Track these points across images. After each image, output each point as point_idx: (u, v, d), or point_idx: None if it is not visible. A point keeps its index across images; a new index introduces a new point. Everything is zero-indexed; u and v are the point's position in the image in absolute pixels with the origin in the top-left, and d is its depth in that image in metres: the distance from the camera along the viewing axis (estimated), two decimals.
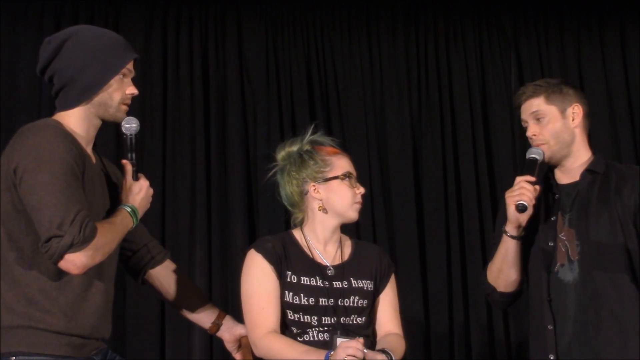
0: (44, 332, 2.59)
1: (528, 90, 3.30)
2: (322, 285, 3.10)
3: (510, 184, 5.03)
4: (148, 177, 4.88)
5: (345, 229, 3.27)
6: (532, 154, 3.20)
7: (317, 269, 3.13)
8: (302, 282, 3.10)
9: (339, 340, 2.96)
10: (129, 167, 2.84)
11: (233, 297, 4.66)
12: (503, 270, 3.25)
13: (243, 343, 3.27)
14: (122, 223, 2.74)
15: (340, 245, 3.21)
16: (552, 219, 3.21)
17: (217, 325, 3.21)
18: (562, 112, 3.24)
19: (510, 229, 3.16)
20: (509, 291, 3.30)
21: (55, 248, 2.51)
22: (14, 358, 2.56)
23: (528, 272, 3.27)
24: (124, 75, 2.81)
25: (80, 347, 2.67)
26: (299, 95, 5.12)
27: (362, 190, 3.19)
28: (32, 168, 2.56)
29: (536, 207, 3.18)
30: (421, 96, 5.25)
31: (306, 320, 3.06)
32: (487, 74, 5.31)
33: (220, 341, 4.76)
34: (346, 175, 3.16)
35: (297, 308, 3.06)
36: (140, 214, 2.82)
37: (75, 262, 2.54)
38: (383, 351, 2.97)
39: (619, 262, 3.10)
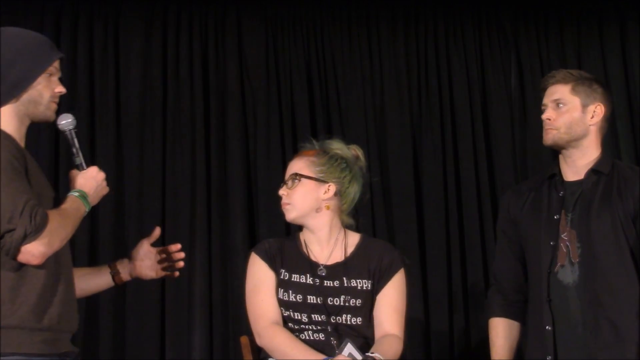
0: (15, 330, 2.56)
1: (558, 75, 3.28)
2: (311, 283, 3.19)
3: (509, 184, 5.06)
4: (148, 177, 4.93)
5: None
6: None
7: (308, 267, 3.21)
8: (293, 280, 3.19)
9: (349, 345, 3.04)
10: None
11: (233, 296, 4.75)
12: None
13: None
14: (73, 207, 2.73)
15: (344, 243, 3.25)
16: (556, 217, 3.19)
17: (116, 272, 3.15)
18: (584, 106, 3.23)
19: None
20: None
21: (10, 242, 2.51)
22: None
23: (528, 271, 3.27)
24: (51, 74, 2.80)
25: (53, 343, 2.65)
26: (299, 95, 5.14)
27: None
28: None
29: (541, 203, 3.22)
30: (421, 96, 5.27)
31: (297, 317, 3.13)
32: (487, 74, 5.33)
33: (220, 341, 4.80)
34: None
35: (287, 305, 3.15)
36: (92, 198, 2.81)
37: (32, 252, 2.54)
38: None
39: (619, 266, 3.10)
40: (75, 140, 2.88)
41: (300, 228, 3.32)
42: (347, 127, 5.06)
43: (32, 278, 2.61)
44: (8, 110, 2.74)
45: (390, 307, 3.19)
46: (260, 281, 3.19)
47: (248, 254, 3.32)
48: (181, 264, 3.22)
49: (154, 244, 3.26)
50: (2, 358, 2.53)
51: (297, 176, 3.24)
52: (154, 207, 4.91)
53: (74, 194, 2.76)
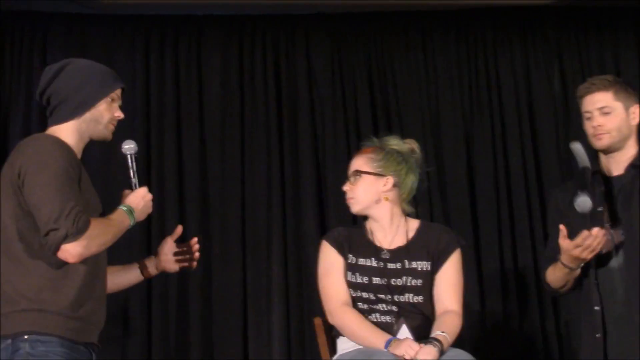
0: (53, 315, 2.66)
1: (597, 83, 3.26)
2: (376, 266, 3.22)
3: (555, 178, 5.00)
4: (229, 177, 5.00)
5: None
6: (580, 157, 3.18)
7: (373, 252, 3.25)
8: (360, 263, 3.23)
9: (404, 327, 3.10)
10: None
11: (307, 281, 4.78)
12: (567, 285, 3.28)
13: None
14: (118, 220, 2.81)
15: (406, 229, 3.29)
16: (599, 209, 3.18)
17: (143, 267, 3.17)
18: (627, 109, 3.25)
19: (575, 265, 3.15)
20: (570, 290, 3.33)
21: (52, 240, 2.59)
22: (26, 336, 2.63)
23: None
24: (113, 100, 2.91)
25: (82, 333, 2.74)
26: (361, 100, 5.18)
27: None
28: (32, 171, 2.65)
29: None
30: (472, 99, 5.24)
31: (365, 297, 3.18)
32: (532, 79, 5.26)
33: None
34: None
35: (355, 286, 3.20)
36: (138, 214, 2.88)
37: (70, 251, 2.61)
38: (435, 340, 2.99)
39: None
40: (134, 164, 2.96)
41: (366, 217, 3.36)
42: (405, 129, 5.01)
43: (74, 274, 2.71)
44: (71, 126, 2.85)
45: (448, 284, 3.21)
46: (331, 265, 3.25)
47: (319, 242, 3.37)
48: (197, 255, 3.20)
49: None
50: (39, 337, 2.63)
51: (358, 172, 3.29)
52: (234, 204, 5.01)
53: (123, 208, 2.84)
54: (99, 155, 4.71)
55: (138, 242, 4.78)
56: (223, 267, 4.92)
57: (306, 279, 4.81)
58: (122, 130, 4.99)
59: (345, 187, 3.33)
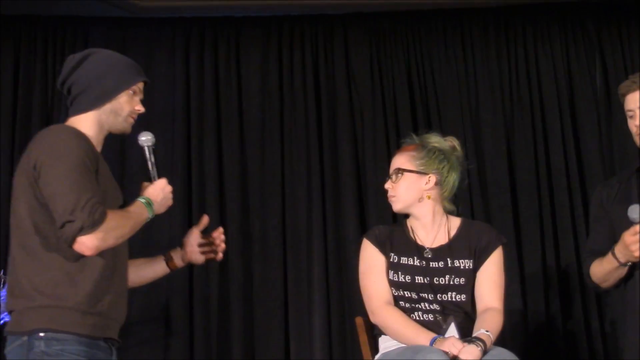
0: (69, 311, 2.61)
1: (638, 81, 3.19)
2: (419, 264, 3.20)
3: (597, 174, 4.94)
4: (269, 176, 5.03)
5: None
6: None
7: (415, 250, 3.23)
8: (402, 262, 3.21)
9: (452, 325, 3.07)
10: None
11: (348, 280, 4.81)
12: (610, 280, 3.21)
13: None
14: (136, 212, 2.76)
15: (447, 227, 3.27)
16: None
17: (169, 259, 3.09)
18: None
19: (625, 260, 3.08)
20: (611, 287, 3.27)
21: (68, 232, 2.55)
22: (42, 334, 2.58)
23: None
24: (134, 92, 2.87)
25: (102, 328, 2.69)
26: (401, 99, 5.19)
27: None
28: (48, 163, 2.61)
29: (630, 192, 3.19)
30: (513, 96, 5.22)
31: (407, 296, 3.16)
32: (573, 74, 5.24)
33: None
34: None
35: (397, 285, 3.18)
36: (157, 206, 2.83)
37: (86, 244, 2.57)
38: (478, 339, 2.95)
39: None
40: (152, 156, 2.91)
41: (407, 215, 3.34)
42: (445, 127, 4.99)
43: (91, 267, 2.65)
44: (91, 116, 2.81)
45: (490, 281, 3.18)
46: (372, 264, 3.23)
47: (360, 242, 3.34)
48: (223, 246, 3.13)
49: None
50: (55, 335, 2.58)
51: (400, 171, 3.25)
52: (274, 203, 5.05)
53: (141, 200, 2.80)
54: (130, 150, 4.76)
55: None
56: (264, 267, 4.94)
57: (347, 278, 4.83)
58: (162, 132, 5.09)
59: (387, 186, 3.29)
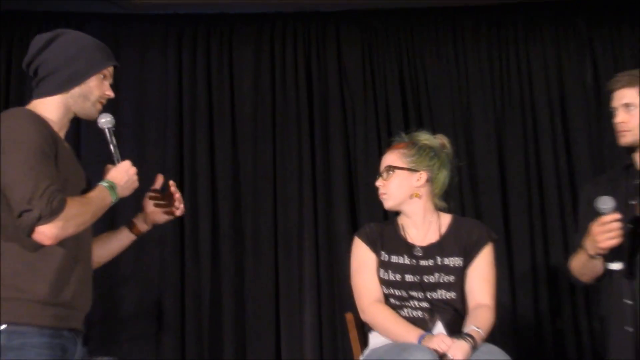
0: (29, 303, 2.52)
1: (624, 79, 3.21)
2: (409, 263, 3.22)
3: (587, 173, 4.95)
4: (261, 173, 5.03)
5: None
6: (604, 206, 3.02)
7: (406, 249, 3.25)
8: (392, 261, 3.23)
9: (439, 323, 3.11)
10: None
11: (339, 277, 4.83)
12: (586, 273, 3.24)
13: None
14: (98, 197, 2.68)
15: (438, 225, 3.29)
16: (632, 202, 3.15)
17: (132, 225, 3.03)
18: None
19: (594, 253, 3.07)
20: (593, 281, 3.28)
21: (26, 221, 2.46)
22: (2, 327, 2.48)
23: None
24: (105, 77, 2.80)
25: (64, 318, 2.61)
26: (392, 96, 5.18)
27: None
28: (4, 150, 2.51)
29: (618, 190, 3.17)
30: (504, 94, 5.22)
31: (397, 294, 3.18)
32: (564, 73, 5.23)
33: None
34: None
35: (387, 283, 3.20)
36: (121, 190, 2.76)
37: (45, 233, 2.48)
38: (468, 335, 2.97)
39: None
40: (113, 138, 2.84)
41: (397, 213, 3.35)
42: (436, 125, 4.98)
43: (52, 256, 2.57)
44: (57, 100, 2.73)
45: (480, 278, 3.20)
46: (363, 262, 3.25)
47: (351, 239, 3.37)
48: (179, 200, 3.02)
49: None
50: (16, 328, 2.50)
51: (391, 168, 3.28)
52: (266, 200, 5.04)
53: (103, 184, 2.72)
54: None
55: (171, 240, 4.83)
56: (255, 263, 4.95)
57: (337, 274, 4.85)
58: (154, 128, 5.07)
59: (378, 183, 3.31)
